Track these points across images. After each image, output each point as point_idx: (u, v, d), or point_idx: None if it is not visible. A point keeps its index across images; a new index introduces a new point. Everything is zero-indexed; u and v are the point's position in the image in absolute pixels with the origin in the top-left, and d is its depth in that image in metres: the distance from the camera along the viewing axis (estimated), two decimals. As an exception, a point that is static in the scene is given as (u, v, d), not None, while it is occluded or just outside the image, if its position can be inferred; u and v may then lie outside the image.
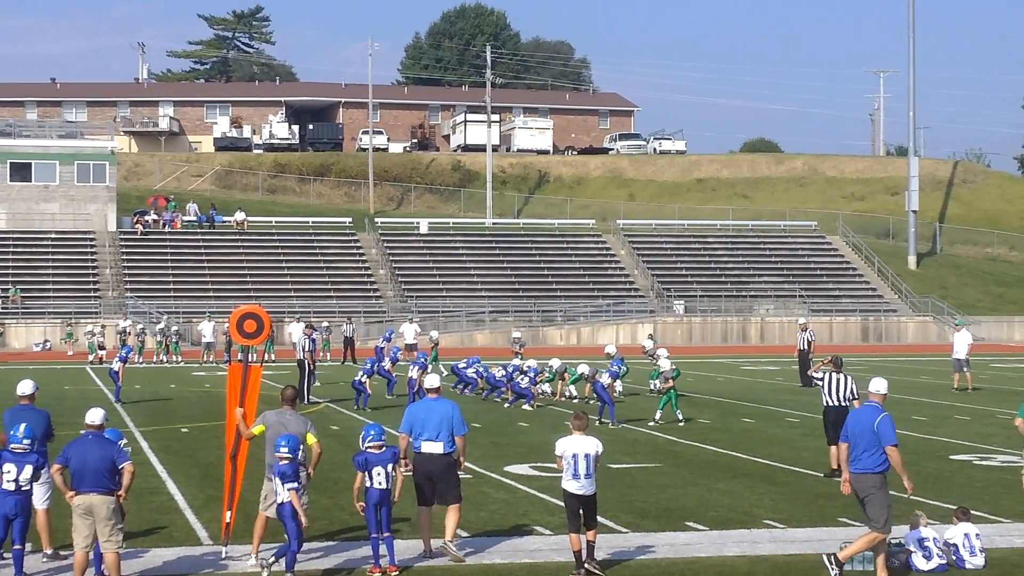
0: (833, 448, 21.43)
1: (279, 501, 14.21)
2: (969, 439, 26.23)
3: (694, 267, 78.64)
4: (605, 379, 30.16)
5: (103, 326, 56.49)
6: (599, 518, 15.05)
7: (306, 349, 35.06)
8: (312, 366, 35.53)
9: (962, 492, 19.42)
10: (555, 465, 14.88)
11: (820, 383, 21.78)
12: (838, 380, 21.49)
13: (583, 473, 14.32)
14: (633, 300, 73.58)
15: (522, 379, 33.77)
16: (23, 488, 13.82)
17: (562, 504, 14.95)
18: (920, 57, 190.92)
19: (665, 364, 30.01)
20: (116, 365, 35.65)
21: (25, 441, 13.99)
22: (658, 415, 29.15)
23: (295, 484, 14.16)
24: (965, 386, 38.60)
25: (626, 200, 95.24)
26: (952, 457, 23.49)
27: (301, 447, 14.53)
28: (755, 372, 48.04)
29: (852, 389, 21.58)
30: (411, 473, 15.26)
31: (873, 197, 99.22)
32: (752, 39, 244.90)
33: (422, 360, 33.96)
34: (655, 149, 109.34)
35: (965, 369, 39.21)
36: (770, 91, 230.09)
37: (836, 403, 21.46)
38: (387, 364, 36.57)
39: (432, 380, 15.86)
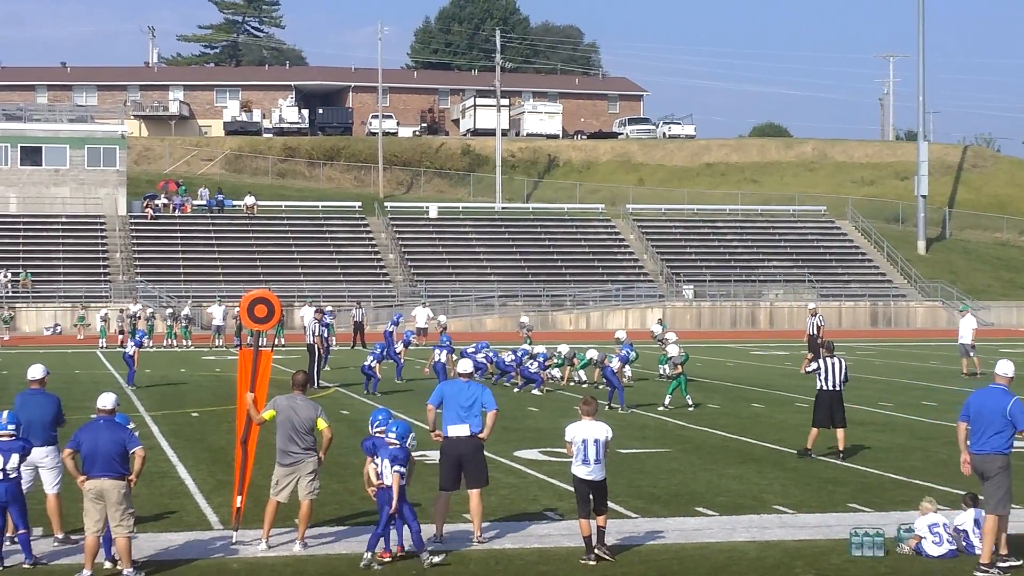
0: (814, 430, 21.75)
1: (385, 484, 14.33)
2: (979, 425, 26.15)
3: (703, 252, 78.59)
4: (615, 364, 30.08)
5: (121, 310, 56.38)
6: (609, 503, 15.07)
7: (316, 333, 35.06)
8: (325, 350, 35.63)
9: (971, 479, 19.29)
10: (565, 450, 14.90)
11: (817, 371, 21.90)
12: (833, 364, 21.77)
13: (593, 459, 14.35)
14: (642, 285, 73.57)
15: (531, 364, 33.80)
16: (10, 476, 13.84)
17: (572, 489, 14.97)
18: (929, 42, 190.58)
19: (674, 349, 30.07)
20: (131, 349, 35.73)
21: (10, 427, 14.01)
22: (667, 400, 29.17)
23: (403, 468, 14.33)
24: (974, 370, 38.58)
25: (635, 185, 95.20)
26: (962, 443, 23.43)
27: (411, 433, 14.68)
28: (764, 357, 48.03)
29: (846, 372, 22.00)
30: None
31: (883, 182, 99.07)
32: (761, 23, 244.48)
33: (447, 343, 33.72)
34: (664, 134, 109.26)
35: (972, 354, 39.22)
36: (779, 75, 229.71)
37: (832, 387, 21.69)
38: (399, 348, 36.67)
39: (465, 365, 15.82)
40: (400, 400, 30.77)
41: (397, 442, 14.43)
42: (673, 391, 29.28)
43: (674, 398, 29.22)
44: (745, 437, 24.37)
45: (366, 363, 33.29)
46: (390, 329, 42.31)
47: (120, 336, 51.97)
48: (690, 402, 29.08)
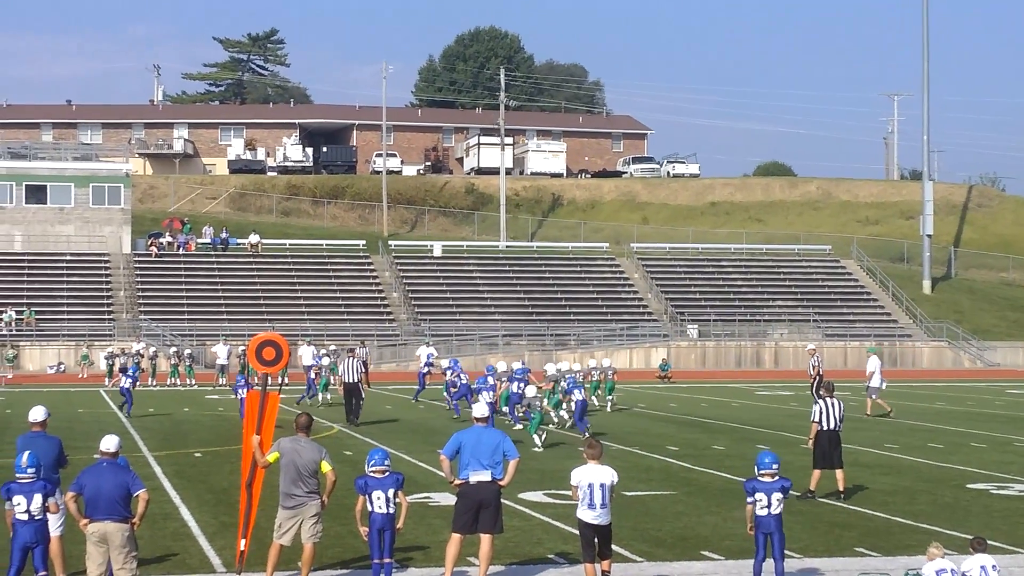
0: (817, 471, 21.68)
1: (770, 513, 14.58)
2: (986, 467, 26.05)
3: (708, 291, 78.53)
4: (577, 395, 31.16)
5: (123, 349, 56.36)
6: (614, 547, 14.96)
7: (358, 371, 35.46)
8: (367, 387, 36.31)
9: (979, 522, 19.27)
10: (569, 492, 14.80)
11: (814, 413, 22.00)
12: (832, 405, 21.90)
13: (599, 503, 14.25)
14: (647, 324, 73.49)
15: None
16: (36, 517, 13.77)
17: (577, 532, 14.86)
18: (934, 80, 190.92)
19: (531, 391, 30.69)
20: (127, 383, 37.86)
21: (30, 470, 13.90)
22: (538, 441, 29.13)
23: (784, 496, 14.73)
24: (882, 412, 38.33)
25: (640, 223, 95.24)
26: (969, 486, 23.32)
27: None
28: (769, 397, 47.89)
29: (843, 413, 22.20)
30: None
31: (887, 221, 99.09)
32: (766, 62, 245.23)
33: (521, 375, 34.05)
34: (669, 172, 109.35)
35: (874, 396, 38.91)
36: (783, 114, 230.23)
37: (832, 427, 21.85)
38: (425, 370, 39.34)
39: (481, 409, 15.66)
40: (405, 440, 30.68)
41: (774, 472, 14.76)
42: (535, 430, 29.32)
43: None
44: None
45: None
46: (424, 371, 43.23)
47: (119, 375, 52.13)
48: (538, 443, 28.82)
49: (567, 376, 34.00)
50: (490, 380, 33.66)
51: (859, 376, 61.39)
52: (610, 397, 40.05)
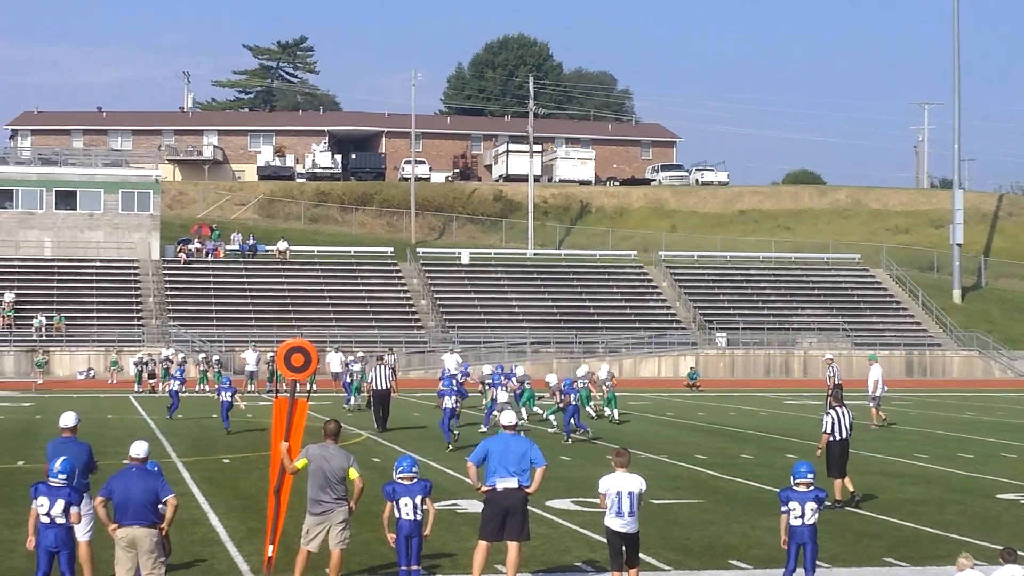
0: (838, 481, 21.64)
1: (804, 523, 14.69)
2: (1016, 477, 25.89)
3: (736, 299, 78.32)
4: (571, 399, 32.32)
5: (151, 355, 56.59)
6: (641, 555, 14.92)
7: (389, 378, 35.66)
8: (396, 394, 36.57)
9: (1010, 532, 19.16)
10: (597, 500, 14.76)
11: (825, 424, 22.09)
12: (841, 414, 21.98)
13: (627, 511, 14.22)
14: (675, 332, 73.33)
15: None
16: (58, 521, 13.78)
17: (604, 540, 14.82)
18: (965, 89, 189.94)
19: (503, 395, 31.87)
20: (176, 385, 39.20)
21: (61, 476, 13.93)
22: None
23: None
24: (881, 422, 38.09)
25: (668, 231, 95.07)
26: (999, 496, 23.19)
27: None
28: (798, 406, 47.74)
29: (852, 421, 22.39)
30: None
31: (917, 230, 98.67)
32: (795, 70, 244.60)
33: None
34: (697, 180, 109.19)
35: (872, 404, 38.73)
36: (813, 122, 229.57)
37: (842, 437, 21.99)
38: (461, 377, 39.01)
39: (509, 417, 15.63)
40: (432, 447, 30.68)
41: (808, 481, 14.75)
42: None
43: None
44: (779, 488, 24.08)
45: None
46: (460, 379, 43.27)
47: (152, 380, 52.60)
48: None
49: (565, 379, 34.34)
50: (454, 383, 33.86)
51: (888, 385, 61.14)
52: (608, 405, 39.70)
